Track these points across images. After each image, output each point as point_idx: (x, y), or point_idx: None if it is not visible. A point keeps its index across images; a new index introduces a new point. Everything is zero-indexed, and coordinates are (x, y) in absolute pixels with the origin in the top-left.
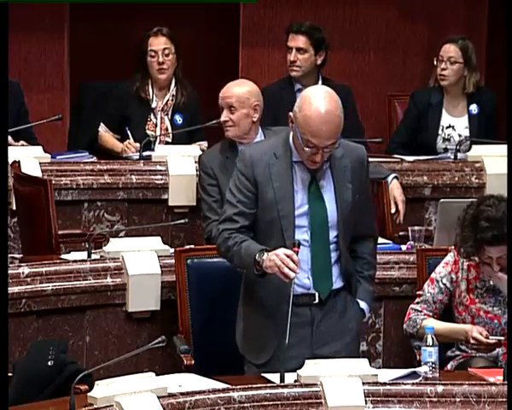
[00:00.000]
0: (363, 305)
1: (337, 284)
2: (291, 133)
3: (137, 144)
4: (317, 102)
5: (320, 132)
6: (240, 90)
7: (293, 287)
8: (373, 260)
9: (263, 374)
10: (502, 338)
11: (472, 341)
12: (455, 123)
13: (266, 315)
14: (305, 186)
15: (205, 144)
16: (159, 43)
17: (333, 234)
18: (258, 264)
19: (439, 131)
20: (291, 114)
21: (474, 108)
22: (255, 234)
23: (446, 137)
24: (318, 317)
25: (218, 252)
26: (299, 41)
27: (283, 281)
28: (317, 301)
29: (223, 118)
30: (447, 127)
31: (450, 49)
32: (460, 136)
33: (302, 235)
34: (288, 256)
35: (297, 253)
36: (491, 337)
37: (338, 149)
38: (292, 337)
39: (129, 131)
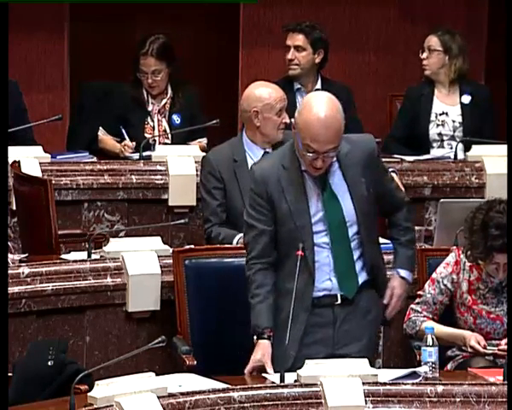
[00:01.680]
0: (403, 273)
1: (362, 277)
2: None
3: (134, 143)
4: (317, 106)
5: (319, 137)
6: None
7: (294, 292)
8: (409, 225)
9: (263, 374)
10: (502, 348)
11: (469, 349)
12: (448, 110)
13: (284, 322)
14: (318, 192)
15: (204, 141)
16: (148, 65)
17: (353, 231)
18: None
19: (433, 118)
20: (293, 120)
21: (465, 97)
22: (278, 249)
23: (440, 122)
24: (341, 317)
25: None
26: (298, 39)
27: None
28: (339, 301)
29: (287, 119)
30: (440, 114)
31: (430, 39)
32: (454, 121)
33: (322, 239)
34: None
35: (301, 256)
36: (488, 348)
37: (345, 146)
38: (313, 337)
39: (124, 132)
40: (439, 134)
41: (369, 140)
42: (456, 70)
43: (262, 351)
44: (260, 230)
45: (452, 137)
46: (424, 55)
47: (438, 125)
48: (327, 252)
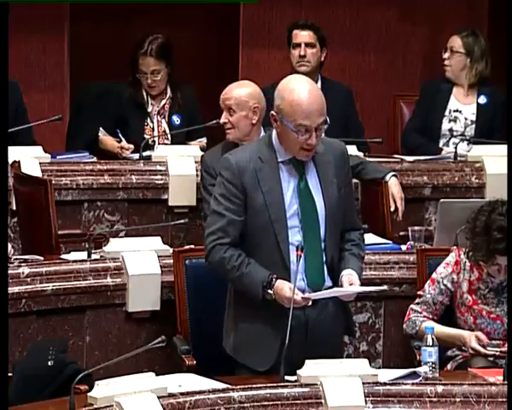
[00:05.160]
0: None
1: (328, 282)
2: (273, 134)
3: (131, 145)
4: (297, 85)
5: (310, 112)
6: (239, 92)
7: (294, 291)
8: (362, 246)
9: (302, 295)
10: (505, 350)
11: (470, 350)
12: (462, 108)
13: (262, 322)
14: (294, 186)
15: (204, 141)
16: (147, 65)
17: (323, 232)
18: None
19: (446, 113)
20: (273, 112)
21: (482, 98)
22: (248, 240)
23: (452, 118)
24: (312, 317)
25: (210, 266)
26: (308, 36)
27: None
28: (310, 303)
29: (222, 120)
30: (454, 110)
31: (454, 40)
32: (466, 119)
33: (295, 236)
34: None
35: (300, 256)
36: (489, 348)
37: (320, 146)
38: (288, 340)
39: (120, 134)
40: (450, 130)
41: (342, 144)
42: (478, 74)
43: (285, 287)
44: (230, 219)
45: (462, 135)
46: (446, 56)
47: (450, 120)
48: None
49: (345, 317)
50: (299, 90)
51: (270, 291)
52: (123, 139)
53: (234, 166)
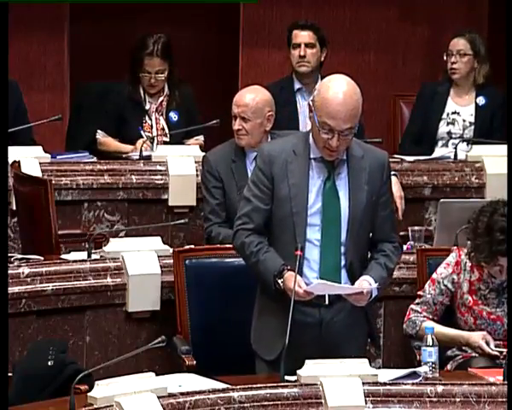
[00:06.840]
0: (373, 284)
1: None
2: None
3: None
4: (335, 85)
5: (337, 113)
6: (254, 99)
7: (294, 289)
8: (392, 256)
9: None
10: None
11: (478, 350)
12: (460, 110)
13: (278, 313)
14: (321, 184)
15: (201, 139)
16: (153, 65)
17: (344, 235)
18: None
19: (444, 116)
20: (310, 102)
21: (481, 99)
22: (270, 231)
23: (450, 121)
24: (327, 317)
25: (234, 250)
26: (308, 36)
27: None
28: (327, 302)
29: (236, 126)
30: (452, 113)
31: (459, 43)
32: (464, 121)
33: (314, 234)
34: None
35: (300, 256)
36: (494, 349)
37: (358, 150)
38: (301, 337)
39: (142, 131)
40: (449, 132)
41: (382, 154)
42: (485, 74)
43: (292, 278)
44: (256, 206)
45: (461, 137)
46: (453, 59)
47: (448, 123)
48: (317, 250)
49: (366, 321)
50: (334, 90)
51: (279, 281)
52: (144, 136)
53: (265, 154)
